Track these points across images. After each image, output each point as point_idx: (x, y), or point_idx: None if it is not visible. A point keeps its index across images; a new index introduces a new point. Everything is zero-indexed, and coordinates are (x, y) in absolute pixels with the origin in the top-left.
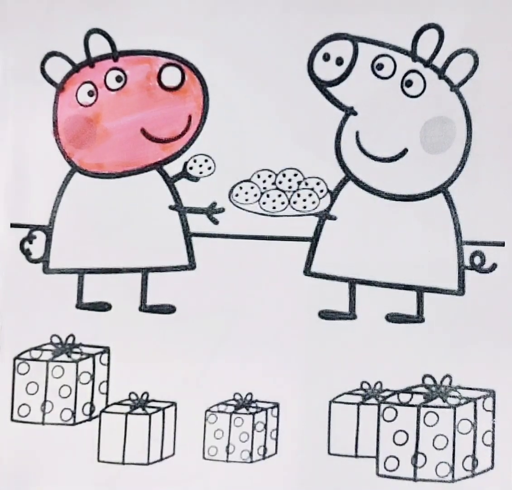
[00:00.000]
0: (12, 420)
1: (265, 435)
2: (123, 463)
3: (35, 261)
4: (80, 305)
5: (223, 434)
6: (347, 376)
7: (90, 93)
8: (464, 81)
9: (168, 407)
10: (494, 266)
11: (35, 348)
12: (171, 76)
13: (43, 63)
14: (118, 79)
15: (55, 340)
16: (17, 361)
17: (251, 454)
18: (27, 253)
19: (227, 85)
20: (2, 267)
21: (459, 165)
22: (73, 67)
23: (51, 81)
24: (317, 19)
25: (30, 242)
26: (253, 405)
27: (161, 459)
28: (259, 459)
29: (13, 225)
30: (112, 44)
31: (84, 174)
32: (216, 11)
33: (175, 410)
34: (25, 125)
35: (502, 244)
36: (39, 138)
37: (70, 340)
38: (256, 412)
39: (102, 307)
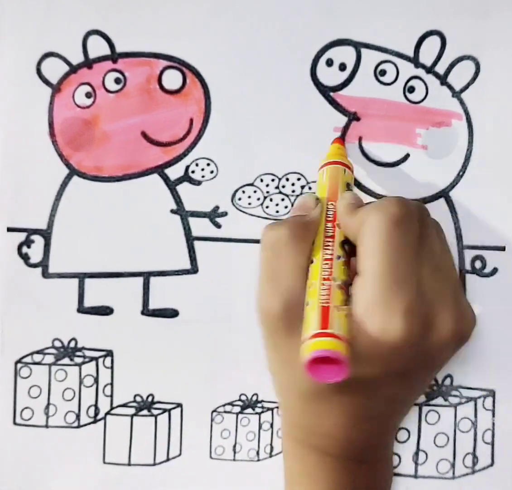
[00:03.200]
0: (15, 423)
1: (272, 434)
2: (129, 464)
3: (34, 265)
4: (82, 309)
5: (229, 434)
6: None
7: (88, 95)
8: (465, 88)
9: (173, 408)
10: (494, 270)
11: (37, 352)
12: (172, 79)
13: (39, 63)
14: (117, 81)
15: (57, 343)
16: (19, 365)
17: (258, 453)
18: (25, 257)
19: (229, 89)
20: (0, 271)
21: (460, 170)
22: (70, 68)
23: (47, 82)
24: (321, 24)
25: (28, 247)
26: (259, 405)
27: (168, 459)
28: (266, 457)
29: (9, 230)
30: (111, 45)
31: (82, 177)
32: (218, 14)
33: (181, 411)
34: (20, 126)
35: (503, 249)
36: (35, 140)
37: (72, 344)
38: (262, 412)
39: (104, 311)
